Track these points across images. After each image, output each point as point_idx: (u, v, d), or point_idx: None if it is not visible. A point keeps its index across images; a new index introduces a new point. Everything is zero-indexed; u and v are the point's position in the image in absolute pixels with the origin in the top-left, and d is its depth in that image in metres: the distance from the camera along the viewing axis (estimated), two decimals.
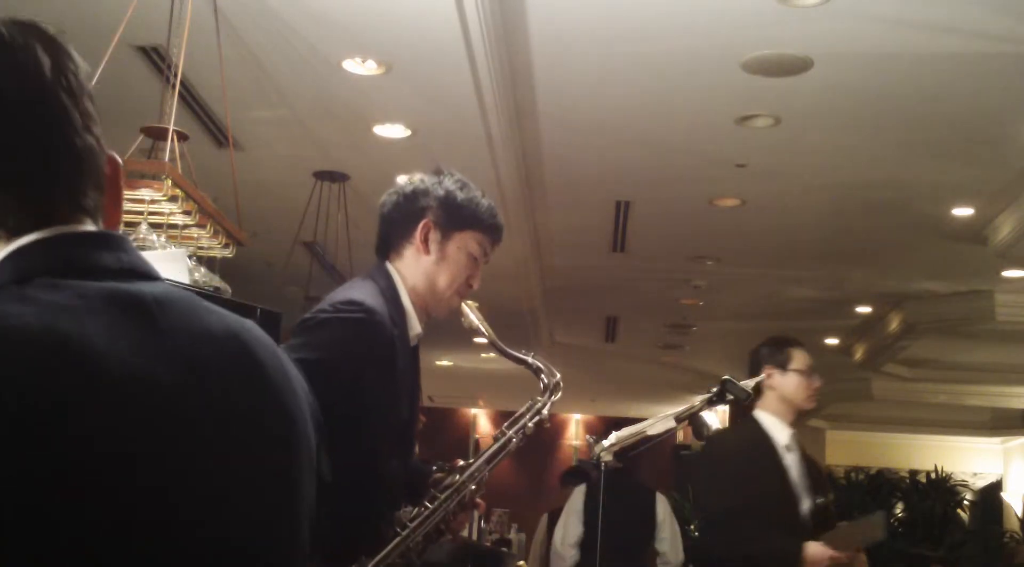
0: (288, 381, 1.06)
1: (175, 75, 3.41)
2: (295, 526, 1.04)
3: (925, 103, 4.51)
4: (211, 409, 0.94)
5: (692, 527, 11.47)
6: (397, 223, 2.31)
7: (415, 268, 2.29)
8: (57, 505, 0.81)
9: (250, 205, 4.45)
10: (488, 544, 9.55)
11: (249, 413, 0.99)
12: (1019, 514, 11.92)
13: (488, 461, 2.25)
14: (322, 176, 5.72)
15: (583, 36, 4.03)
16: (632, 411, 13.69)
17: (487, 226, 2.32)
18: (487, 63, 4.13)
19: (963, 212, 5.95)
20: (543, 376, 2.34)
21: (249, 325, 1.05)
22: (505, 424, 2.31)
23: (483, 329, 2.32)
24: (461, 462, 2.27)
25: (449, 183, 2.31)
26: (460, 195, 2.30)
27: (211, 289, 2.68)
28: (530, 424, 2.30)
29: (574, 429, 15.88)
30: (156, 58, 4.19)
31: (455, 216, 2.28)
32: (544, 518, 7.46)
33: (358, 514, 2.11)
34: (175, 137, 3.13)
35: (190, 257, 2.87)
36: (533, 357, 2.36)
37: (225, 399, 0.96)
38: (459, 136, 4.91)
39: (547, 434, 15.06)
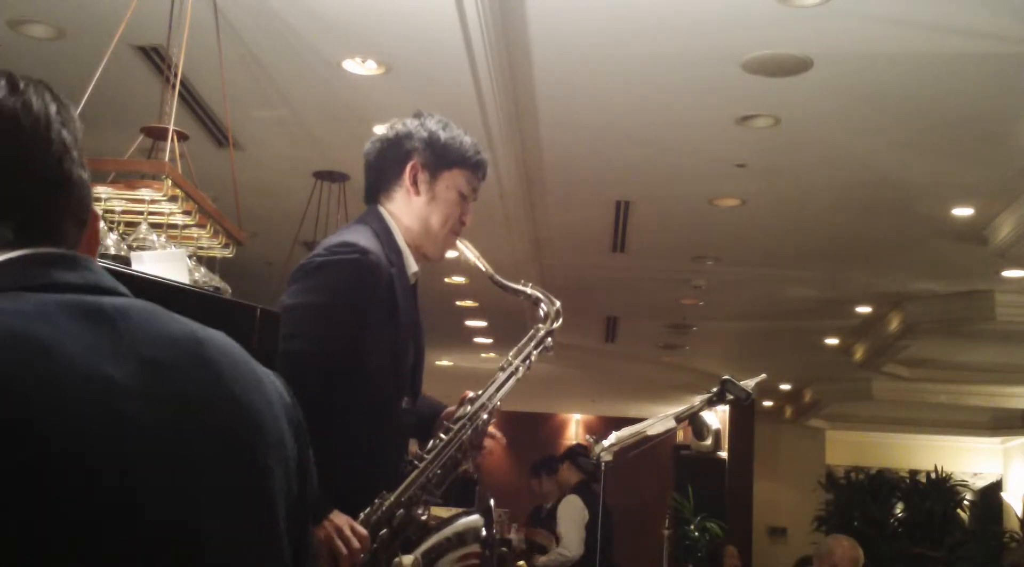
0: (259, 384, 1.09)
1: (175, 75, 3.41)
2: (269, 522, 1.05)
3: (925, 103, 4.51)
4: (163, 406, 0.97)
5: (691, 527, 11.51)
6: (384, 169, 2.35)
7: (407, 210, 2.32)
8: (18, 502, 0.84)
9: (250, 205, 4.45)
10: None
11: (205, 409, 1.02)
12: (1019, 514, 11.92)
13: (497, 390, 2.31)
14: (322, 176, 5.72)
15: (583, 36, 4.03)
16: (632, 411, 13.66)
17: (473, 162, 2.36)
18: (487, 63, 4.13)
19: (963, 212, 5.94)
20: (542, 304, 2.38)
21: (214, 333, 1.08)
22: (511, 353, 2.35)
23: (480, 263, 2.37)
24: (470, 394, 2.30)
25: (431, 124, 2.34)
26: (443, 134, 2.33)
27: (211, 289, 2.68)
28: (535, 353, 2.34)
29: (574, 429, 15.86)
30: (156, 58, 4.18)
31: (441, 156, 2.32)
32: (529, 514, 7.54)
33: (372, 454, 2.13)
34: (175, 137, 3.13)
35: (190, 257, 2.87)
36: (531, 287, 2.40)
37: (180, 396, 0.99)
38: None
39: (547, 434, 15.04)
